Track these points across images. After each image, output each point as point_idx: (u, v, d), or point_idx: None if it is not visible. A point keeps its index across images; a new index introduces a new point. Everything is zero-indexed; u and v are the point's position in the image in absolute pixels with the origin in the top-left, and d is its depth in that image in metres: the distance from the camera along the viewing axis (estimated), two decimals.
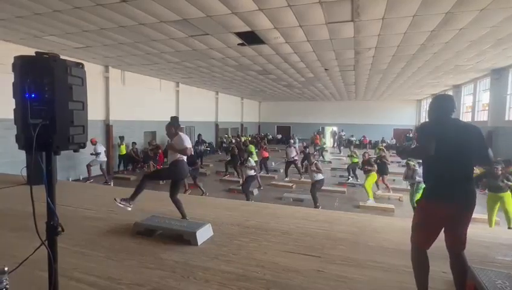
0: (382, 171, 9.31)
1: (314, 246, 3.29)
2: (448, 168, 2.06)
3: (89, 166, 10.29)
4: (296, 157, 11.87)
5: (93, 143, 10.06)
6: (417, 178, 6.61)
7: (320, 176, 7.80)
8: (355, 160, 11.50)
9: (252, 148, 11.73)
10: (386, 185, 9.41)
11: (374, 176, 8.52)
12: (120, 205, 3.72)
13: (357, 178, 11.43)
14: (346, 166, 12.30)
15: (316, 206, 7.56)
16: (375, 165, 8.72)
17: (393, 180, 10.86)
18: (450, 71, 12.01)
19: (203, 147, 14.64)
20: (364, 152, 9.31)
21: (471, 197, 2.07)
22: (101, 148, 10.37)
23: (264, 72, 12.62)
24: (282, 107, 29.10)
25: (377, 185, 9.44)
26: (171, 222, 3.64)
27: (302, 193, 9.22)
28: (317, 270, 2.76)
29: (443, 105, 2.20)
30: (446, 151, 2.05)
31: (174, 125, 4.05)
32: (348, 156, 12.32)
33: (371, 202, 8.16)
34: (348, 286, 2.51)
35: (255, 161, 9.65)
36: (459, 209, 2.05)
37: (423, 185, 6.45)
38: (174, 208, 4.53)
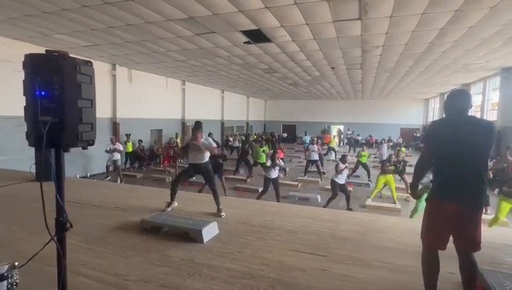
0: (401, 170, 9.25)
1: (320, 245, 3.28)
2: (455, 167, 2.02)
3: (109, 166, 10.50)
4: (317, 158, 11.79)
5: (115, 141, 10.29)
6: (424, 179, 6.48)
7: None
8: (364, 159, 11.46)
9: (266, 149, 11.61)
10: (406, 182, 9.31)
11: (391, 178, 8.31)
12: (168, 209, 4.39)
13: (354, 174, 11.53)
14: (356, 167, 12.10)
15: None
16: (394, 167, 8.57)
17: (400, 180, 10.75)
18: (458, 70, 11.84)
19: None
20: (391, 154, 9.07)
21: (478, 196, 2.02)
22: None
23: (270, 70, 12.60)
24: (288, 106, 29.04)
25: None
26: (177, 220, 3.66)
27: (307, 192, 9.20)
28: (322, 269, 2.75)
29: (456, 102, 2.14)
30: (453, 150, 2.02)
31: (199, 130, 4.57)
32: (361, 155, 12.08)
33: (369, 202, 8.14)
34: (353, 285, 2.50)
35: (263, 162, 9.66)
36: (465, 208, 2.01)
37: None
38: (180, 205, 4.58)
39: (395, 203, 8.12)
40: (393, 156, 8.71)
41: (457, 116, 2.11)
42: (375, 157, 16.58)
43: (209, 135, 14.61)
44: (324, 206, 7.24)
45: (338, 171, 7.42)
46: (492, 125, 2.11)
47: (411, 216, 6.31)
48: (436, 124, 2.26)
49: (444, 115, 2.27)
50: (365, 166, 11.53)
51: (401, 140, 23.72)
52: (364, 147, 12.66)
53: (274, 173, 7.63)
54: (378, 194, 8.75)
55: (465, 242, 2.06)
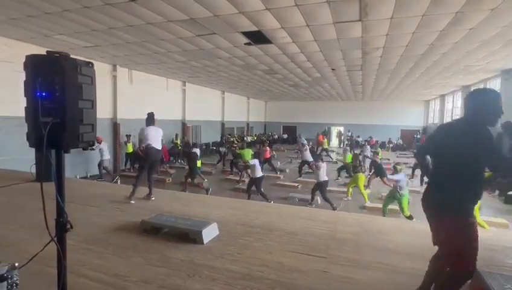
0: (381, 173, 9.30)
1: (319, 247, 3.28)
2: (437, 172, 2.05)
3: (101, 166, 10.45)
4: (311, 159, 11.79)
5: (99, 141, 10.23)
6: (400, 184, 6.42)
7: (325, 177, 7.85)
8: (349, 160, 11.63)
9: (246, 152, 11.46)
10: (386, 185, 9.39)
11: (362, 177, 8.55)
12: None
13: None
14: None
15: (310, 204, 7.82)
16: (364, 167, 8.75)
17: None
18: (459, 72, 11.84)
19: (225, 149, 14.35)
20: (358, 153, 9.25)
21: (442, 204, 1.93)
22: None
23: (271, 71, 12.61)
24: (288, 107, 29.06)
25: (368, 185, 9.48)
26: (177, 221, 3.66)
27: (307, 193, 9.20)
28: (322, 270, 2.75)
29: (467, 105, 1.99)
30: (439, 155, 2.03)
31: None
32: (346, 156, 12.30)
33: (367, 204, 8.16)
34: (352, 287, 2.50)
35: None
36: (433, 215, 2.03)
37: (404, 192, 6.31)
38: (180, 206, 4.59)
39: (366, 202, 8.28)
40: (360, 156, 8.88)
41: (458, 122, 2.06)
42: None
43: (222, 137, 14.62)
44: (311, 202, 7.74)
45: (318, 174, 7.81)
46: (485, 133, 1.85)
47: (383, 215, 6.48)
48: (440, 127, 2.18)
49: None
50: (348, 166, 11.68)
51: (401, 141, 23.75)
52: (348, 148, 13.13)
53: (257, 173, 7.83)
54: (379, 196, 8.78)
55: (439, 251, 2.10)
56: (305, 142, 12.75)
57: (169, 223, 3.59)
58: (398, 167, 6.63)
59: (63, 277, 1.60)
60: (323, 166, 7.92)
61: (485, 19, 5.89)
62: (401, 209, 6.37)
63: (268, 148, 13.14)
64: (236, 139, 17.86)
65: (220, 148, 14.38)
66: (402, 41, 7.62)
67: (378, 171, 9.26)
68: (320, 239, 3.51)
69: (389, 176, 6.50)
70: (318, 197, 8.46)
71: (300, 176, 11.62)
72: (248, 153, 10.45)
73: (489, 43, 7.68)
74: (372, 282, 2.58)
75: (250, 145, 16.38)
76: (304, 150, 11.74)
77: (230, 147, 12.69)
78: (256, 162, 8.16)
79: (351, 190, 8.81)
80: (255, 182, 7.91)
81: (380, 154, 9.95)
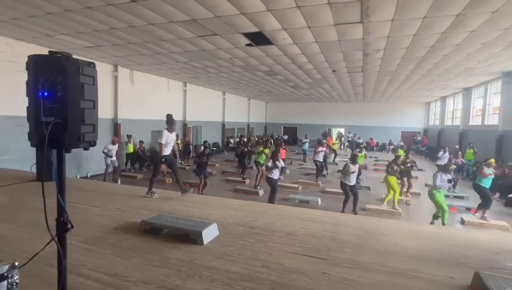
0: (407, 175, 9.23)
1: (320, 248, 3.27)
2: None
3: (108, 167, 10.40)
4: (322, 159, 11.66)
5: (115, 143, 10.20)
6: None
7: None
8: (360, 161, 11.50)
9: (266, 151, 11.34)
10: (410, 184, 9.31)
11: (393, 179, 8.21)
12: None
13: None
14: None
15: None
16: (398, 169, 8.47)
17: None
18: (460, 74, 11.85)
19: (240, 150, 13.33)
20: (398, 156, 8.95)
21: None
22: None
23: (272, 72, 12.62)
24: (289, 108, 29.10)
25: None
26: (178, 221, 3.66)
27: (307, 194, 9.20)
28: (323, 272, 2.74)
29: None
30: None
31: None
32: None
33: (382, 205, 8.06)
34: (353, 288, 2.49)
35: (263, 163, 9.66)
36: None
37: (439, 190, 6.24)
38: (180, 207, 4.60)
39: (397, 208, 7.88)
40: (401, 158, 8.66)
41: None
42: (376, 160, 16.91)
43: (240, 137, 14.39)
44: (342, 211, 7.08)
45: (347, 173, 7.39)
46: None
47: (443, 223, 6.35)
48: None
49: None
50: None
51: (402, 143, 23.73)
52: (358, 148, 13.00)
53: (277, 174, 7.64)
54: (380, 198, 8.74)
55: None
56: (321, 142, 12.66)
57: (170, 224, 3.58)
58: (450, 168, 6.60)
59: (63, 276, 1.60)
60: (355, 169, 7.46)
61: (486, 21, 5.89)
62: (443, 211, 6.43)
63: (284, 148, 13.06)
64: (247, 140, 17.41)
65: (238, 150, 13.63)
66: (403, 43, 7.62)
67: (403, 172, 9.15)
68: (321, 240, 3.50)
69: (443, 177, 6.45)
70: (319, 198, 8.46)
71: (326, 172, 11.58)
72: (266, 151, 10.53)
73: (491, 46, 7.69)
74: (373, 284, 2.57)
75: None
76: (319, 151, 11.45)
77: (249, 149, 12.41)
78: (282, 163, 7.87)
79: (398, 195, 8.23)
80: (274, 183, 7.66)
81: (401, 154, 9.92)
